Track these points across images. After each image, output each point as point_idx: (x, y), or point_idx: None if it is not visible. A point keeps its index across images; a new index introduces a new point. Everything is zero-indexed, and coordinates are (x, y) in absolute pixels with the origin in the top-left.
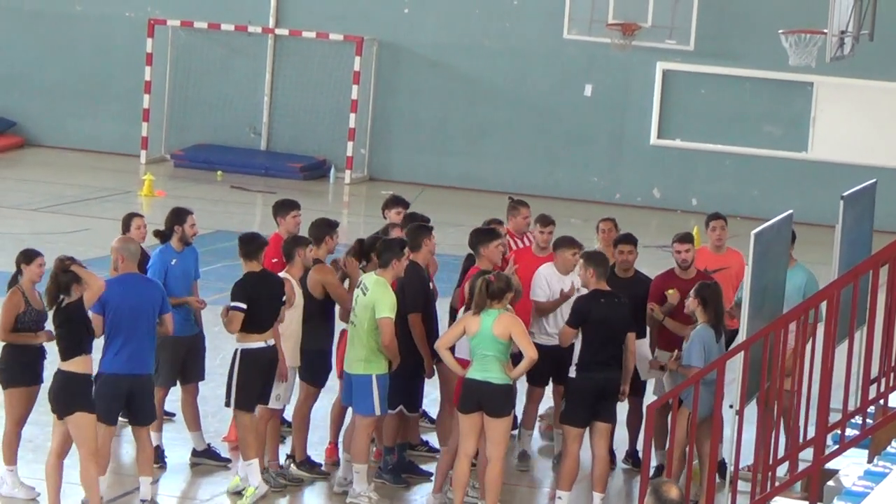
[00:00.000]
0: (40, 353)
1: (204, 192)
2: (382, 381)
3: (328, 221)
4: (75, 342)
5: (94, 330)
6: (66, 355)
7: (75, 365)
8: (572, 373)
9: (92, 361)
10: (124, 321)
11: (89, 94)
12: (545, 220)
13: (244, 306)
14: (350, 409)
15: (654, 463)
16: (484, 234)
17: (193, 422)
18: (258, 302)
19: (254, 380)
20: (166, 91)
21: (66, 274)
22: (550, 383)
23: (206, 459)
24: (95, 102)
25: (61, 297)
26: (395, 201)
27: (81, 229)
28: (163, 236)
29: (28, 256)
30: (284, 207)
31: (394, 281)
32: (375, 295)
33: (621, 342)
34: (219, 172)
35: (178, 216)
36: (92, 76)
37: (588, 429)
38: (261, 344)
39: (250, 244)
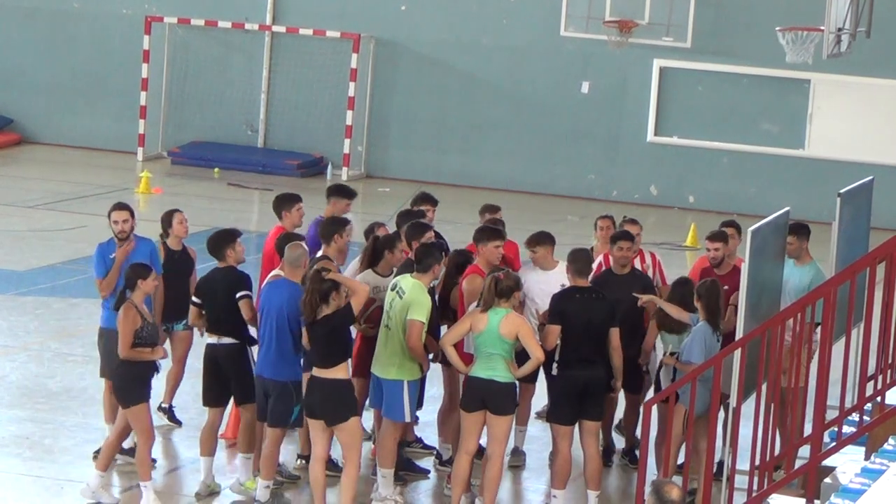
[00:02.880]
0: (153, 369)
1: (201, 189)
2: (413, 386)
3: (338, 220)
4: (337, 351)
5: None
6: (327, 363)
7: (337, 372)
8: (554, 370)
9: (349, 367)
10: (269, 325)
11: (86, 91)
12: (493, 209)
13: (198, 301)
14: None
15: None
16: (482, 233)
17: (113, 414)
18: (206, 298)
19: (204, 377)
20: (163, 88)
21: (324, 283)
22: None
23: (129, 458)
24: (92, 100)
25: (321, 307)
26: (425, 199)
27: (78, 226)
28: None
29: (143, 271)
30: (288, 201)
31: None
32: (412, 297)
33: (602, 338)
34: (216, 169)
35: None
36: (89, 73)
37: (578, 427)
38: (210, 341)
39: (210, 241)
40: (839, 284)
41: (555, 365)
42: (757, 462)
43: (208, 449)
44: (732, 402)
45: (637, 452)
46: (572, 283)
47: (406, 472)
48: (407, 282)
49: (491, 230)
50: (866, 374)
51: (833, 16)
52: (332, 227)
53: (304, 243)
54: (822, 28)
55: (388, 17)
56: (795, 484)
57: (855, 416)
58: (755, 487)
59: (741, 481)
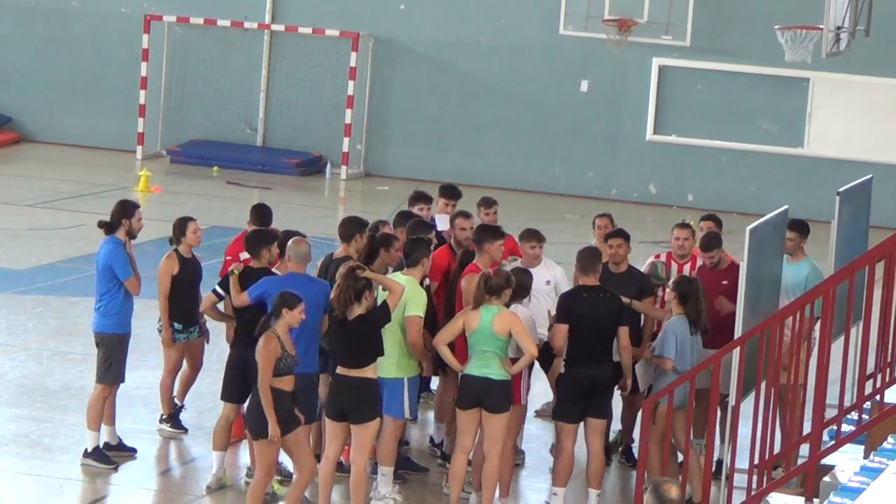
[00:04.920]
0: (291, 401)
1: (200, 187)
2: (413, 383)
3: (358, 220)
4: (370, 351)
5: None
6: (358, 363)
7: (366, 371)
8: (562, 368)
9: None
10: None
11: (85, 89)
12: (488, 203)
13: (221, 292)
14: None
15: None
16: (486, 232)
17: (111, 417)
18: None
19: (227, 374)
20: (162, 87)
21: (359, 281)
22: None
23: (119, 452)
24: (91, 98)
25: (352, 306)
26: (420, 197)
27: (78, 225)
28: (109, 228)
29: (293, 301)
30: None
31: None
32: (407, 293)
33: (609, 337)
34: (215, 168)
35: (126, 210)
36: (88, 72)
37: (583, 424)
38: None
39: (246, 241)
40: (838, 283)
41: (562, 363)
42: (756, 460)
43: (221, 443)
44: (731, 400)
45: (634, 451)
46: (581, 282)
47: (406, 470)
48: (399, 279)
49: (494, 229)
50: (865, 373)
51: (832, 14)
52: (353, 227)
53: (306, 239)
54: (821, 27)
55: (387, 16)
56: (794, 482)
57: (854, 415)
58: (754, 486)
59: (740, 480)
